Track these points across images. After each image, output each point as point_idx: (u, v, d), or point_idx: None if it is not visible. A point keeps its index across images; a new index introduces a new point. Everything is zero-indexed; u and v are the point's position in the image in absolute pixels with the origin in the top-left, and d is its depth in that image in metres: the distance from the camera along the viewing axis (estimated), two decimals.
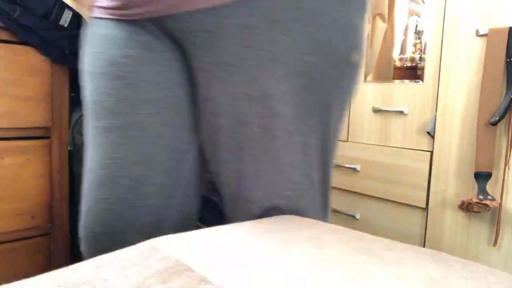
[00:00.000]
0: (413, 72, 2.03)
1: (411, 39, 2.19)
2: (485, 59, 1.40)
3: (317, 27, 0.57)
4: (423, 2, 2.15)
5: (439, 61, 1.54)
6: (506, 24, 1.37)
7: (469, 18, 1.44)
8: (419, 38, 2.17)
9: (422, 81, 1.61)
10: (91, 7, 0.66)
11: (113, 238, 0.66)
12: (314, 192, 0.69)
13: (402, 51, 2.16)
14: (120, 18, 0.62)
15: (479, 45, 1.43)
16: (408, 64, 2.09)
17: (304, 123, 0.62)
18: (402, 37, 2.16)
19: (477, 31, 1.43)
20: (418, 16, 2.18)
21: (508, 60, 1.36)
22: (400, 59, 2.12)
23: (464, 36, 1.46)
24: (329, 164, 0.70)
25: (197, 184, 0.74)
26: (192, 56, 0.62)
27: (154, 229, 0.68)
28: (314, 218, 0.66)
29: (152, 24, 0.62)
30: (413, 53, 2.16)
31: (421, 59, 2.03)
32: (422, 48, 2.13)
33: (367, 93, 1.79)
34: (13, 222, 0.98)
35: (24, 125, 0.98)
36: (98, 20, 0.65)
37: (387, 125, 1.73)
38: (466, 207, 1.45)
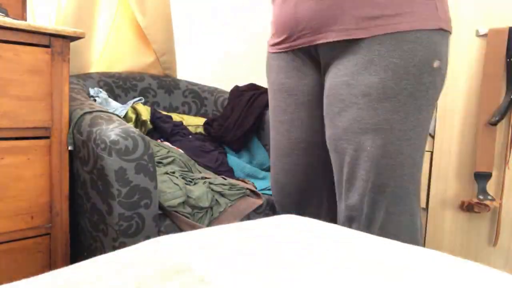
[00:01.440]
0: None
1: None
2: (485, 59, 1.40)
3: (405, 43, 0.84)
4: None
5: None
6: (506, 24, 1.37)
7: (469, 18, 1.44)
8: None
9: None
10: (269, 46, 1.06)
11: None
12: None
13: None
14: (282, 51, 1.01)
15: (479, 45, 1.43)
16: None
17: (388, 103, 0.86)
18: None
19: (477, 31, 1.43)
20: None
21: (508, 60, 1.36)
22: None
23: (464, 36, 1.46)
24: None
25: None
26: (326, 69, 0.96)
27: None
28: None
29: (302, 53, 0.98)
30: None
31: None
32: None
33: None
34: (13, 222, 0.98)
35: (24, 125, 0.98)
36: (271, 54, 1.06)
37: None
38: (466, 207, 1.45)
